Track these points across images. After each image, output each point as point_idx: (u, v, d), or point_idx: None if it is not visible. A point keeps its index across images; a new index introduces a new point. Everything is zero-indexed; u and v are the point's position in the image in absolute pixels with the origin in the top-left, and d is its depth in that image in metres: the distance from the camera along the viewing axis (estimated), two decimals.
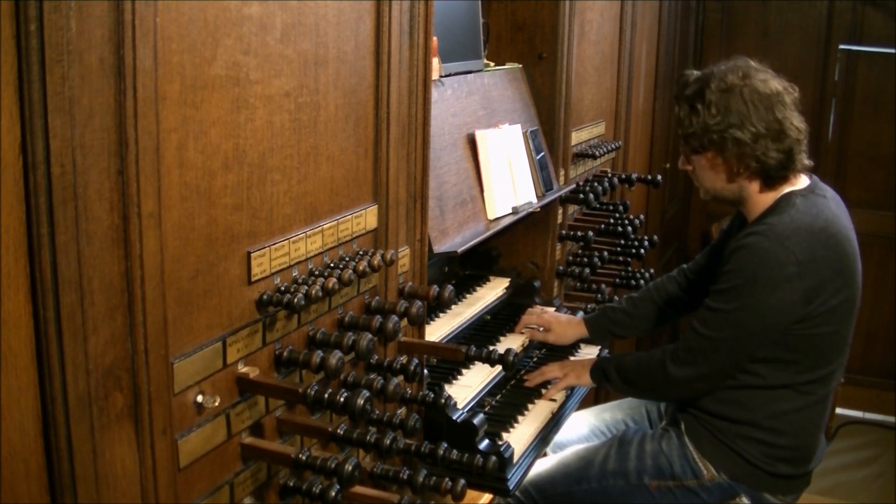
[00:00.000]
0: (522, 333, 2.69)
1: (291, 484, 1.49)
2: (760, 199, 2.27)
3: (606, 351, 2.95)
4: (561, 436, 2.71)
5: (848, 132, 5.23)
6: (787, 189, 2.24)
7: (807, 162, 2.26)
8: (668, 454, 2.34)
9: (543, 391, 2.52)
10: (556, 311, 2.79)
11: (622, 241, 3.19)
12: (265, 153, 1.37)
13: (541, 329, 2.71)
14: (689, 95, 2.26)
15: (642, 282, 3.07)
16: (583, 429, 2.76)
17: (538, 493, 2.44)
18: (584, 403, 2.80)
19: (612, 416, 2.75)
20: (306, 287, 1.43)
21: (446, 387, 2.24)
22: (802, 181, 2.28)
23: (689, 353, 2.24)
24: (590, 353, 2.89)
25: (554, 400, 2.51)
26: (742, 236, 2.18)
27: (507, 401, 2.49)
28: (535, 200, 2.63)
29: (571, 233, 3.02)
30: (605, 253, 3.10)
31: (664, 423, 2.53)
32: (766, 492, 2.29)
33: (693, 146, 2.28)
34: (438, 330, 2.29)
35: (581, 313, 2.87)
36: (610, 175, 3.34)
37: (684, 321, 2.85)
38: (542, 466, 2.48)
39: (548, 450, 2.70)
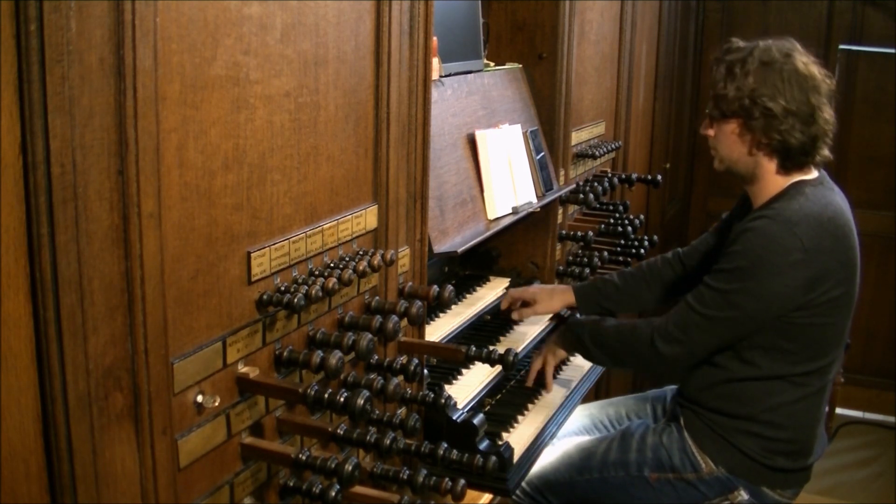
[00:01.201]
0: (522, 331, 2.67)
1: (291, 484, 1.49)
2: (772, 183, 2.27)
3: None
4: (564, 426, 2.71)
5: (848, 132, 5.23)
6: (798, 178, 2.25)
7: (827, 154, 2.26)
8: (668, 447, 2.34)
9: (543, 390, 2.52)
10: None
11: (622, 241, 3.19)
12: (265, 153, 1.37)
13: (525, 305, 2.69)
14: (731, 60, 2.27)
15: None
16: (585, 419, 2.76)
17: (541, 482, 2.46)
18: (586, 400, 2.80)
19: (615, 411, 2.75)
20: (306, 287, 1.43)
21: (447, 387, 2.24)
22: (813, 173, 2.29)
23: (681, 330, 2.24)
24: None
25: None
26: (750, 219, 2.19)
27: (507, 401, 2.49)
28: (535, 200, 2.63)
29: (571, 233, 3.02)
30: (605, 253, 3.10)
31: (666, 418, 2.53)
32: (765, 486, 2.30)
33: (722, 110, 2.27)
34: (438, 330, 2.29)
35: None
36: (610, 175, 3.34)
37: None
38: (545, 459, 2.48)
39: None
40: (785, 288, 2.11)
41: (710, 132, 2.36)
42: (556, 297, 2.67)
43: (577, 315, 2.73)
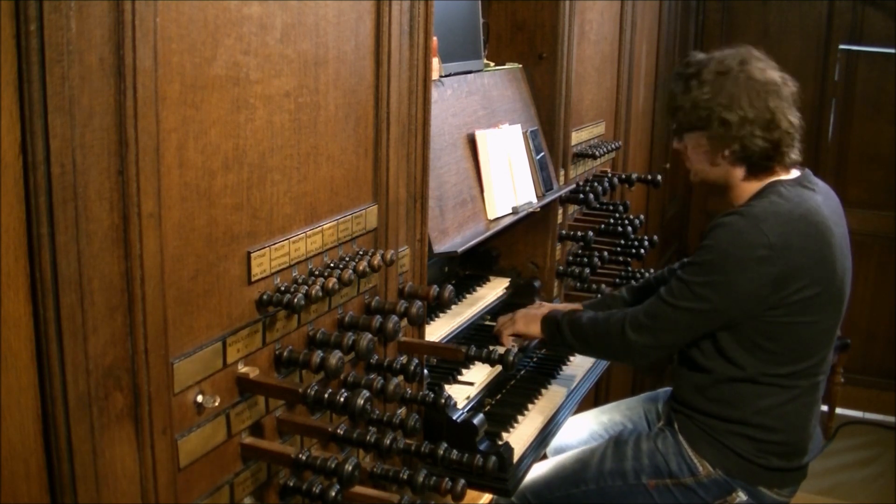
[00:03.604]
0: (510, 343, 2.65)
1: (291, 484, 1.49)
2: (745, 188, 2.29)
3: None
4: (561, 440, 2.70)
5: (848, 132, 5.23)
6: (773, 178, 2.26)
7: (795, 157, 2.28)
8: (664, 452, 2.34)
9: (510, 343, 2.50)
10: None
11: (622, 241, 3.19)
12: (265, 153, 1.37)
13: None
14: (687, 73, 2.30)
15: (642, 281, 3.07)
16: (582, 433, 2.75)
17: (536, 498, 2.44)
18: (585, 404, 2.80)
19: (609, 419, 2.74)
20: (306, 287, 1.43)
21: (447, 387, 2.24)
22: (792, 173, 2.29)
23: (650, 318, 2.24)
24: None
25: (514, 347, 2.49)
26: (722, 215, 2.22)
27: (507, 401, 2.49)
28: (535, 200, 2.63)
29: (571, 233, 3.02)
30: (605, 253, 3.10)
31: (660, 424, 2.53)
32: (762, 486, 2.30)
33: (681, 123, 2.32)
34: (438, 330, 2.29)
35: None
36: (610, 175, 3.34)
37: None
38: (538, 471, 2.47)
39: (546, 453, 2.70)
40: (751, 283, 2.11)
41: (678, 146, 2.41)
42: None
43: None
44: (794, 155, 2.27)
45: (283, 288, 1.43)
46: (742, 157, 2.24)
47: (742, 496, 2.29)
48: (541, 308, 2.56)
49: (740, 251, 2.11)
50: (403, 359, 1.74)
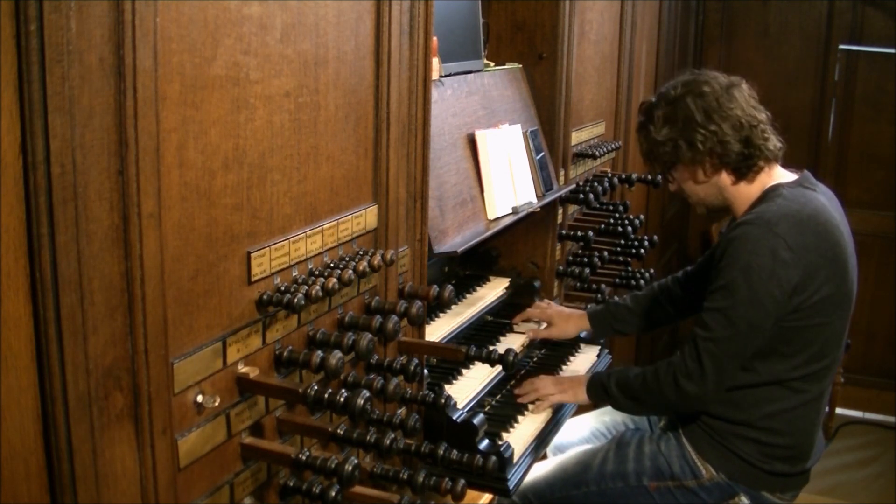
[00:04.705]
0: (522, 332, 2.68)
1: (291, 484, 1.49)
2: (743, 194, 2.29)
3: (607, 354, 2.94)
4: (561, 438, 2.70)
5: (848, 132, 5.23)
6: (772, 182, 2.26)
7: (774, 147, 2.28)
8: (666, 455, 2.33)
9: (531, 406, 2.45)
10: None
11: (622, 241, 3.19)
12: (265, 153, 1.37)
13: (542, 325, 2.71)
14: (642, 121, 2.37)
15: (642, 282, 3.08)
16: (583, 431, 2.75)
17: (537, 498, 2.43)
18: (585, 405, 2.80)
19: (611, 419, 2.74)
20: (306, 287, 1.43)
21: (447, 387, 2.24)
22: (789, 175, 2.29)
23: (696, 362, 2.17)
24: (589, 355, 2.89)
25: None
26: (732, 228, 2.21)
27: (507, 401, 2.49)
28: (535, 200, 2.63)
29: (571, 233, 3.02)
30: (605, 253, 3.10)
31: (662, 425, 2.52)
32: (765, 490, 2.29)
33: (658, 164, 2.37)
34: (438, 330, 2.29)
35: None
36: (610, 175, 3.34)
37: (685, 324, 2.83)
38: (539, 471, 2.47)
39: (547, 451, 2.70)
40: (778, 289, 2.09)
41: (673, 187, 2.44)
42: (571, 322, 2.69)
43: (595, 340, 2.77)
44: (772, 145, 2.27)
45: (283, 288, 1.43)
46: (722, 163, 2.25)
47: (744, 500, 2.29)
48: (578, 375, 2.56)
49: (762, 259, 2.09)
50: (403, 359, 1.74)
